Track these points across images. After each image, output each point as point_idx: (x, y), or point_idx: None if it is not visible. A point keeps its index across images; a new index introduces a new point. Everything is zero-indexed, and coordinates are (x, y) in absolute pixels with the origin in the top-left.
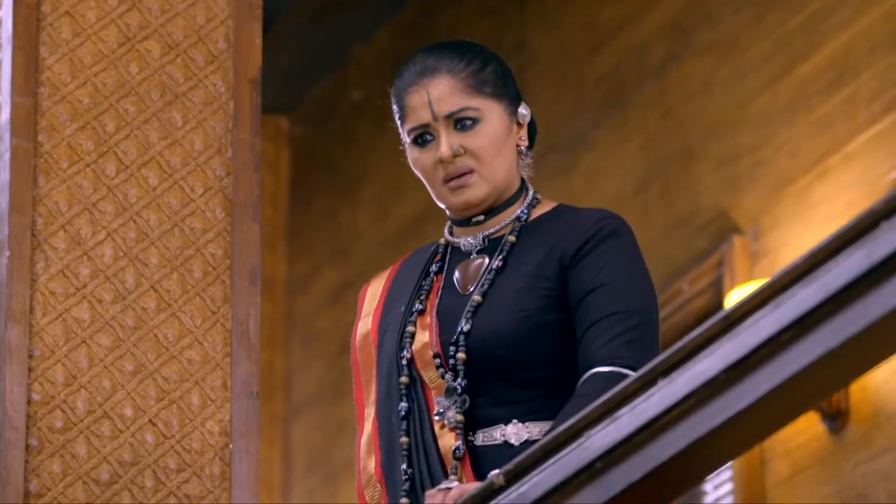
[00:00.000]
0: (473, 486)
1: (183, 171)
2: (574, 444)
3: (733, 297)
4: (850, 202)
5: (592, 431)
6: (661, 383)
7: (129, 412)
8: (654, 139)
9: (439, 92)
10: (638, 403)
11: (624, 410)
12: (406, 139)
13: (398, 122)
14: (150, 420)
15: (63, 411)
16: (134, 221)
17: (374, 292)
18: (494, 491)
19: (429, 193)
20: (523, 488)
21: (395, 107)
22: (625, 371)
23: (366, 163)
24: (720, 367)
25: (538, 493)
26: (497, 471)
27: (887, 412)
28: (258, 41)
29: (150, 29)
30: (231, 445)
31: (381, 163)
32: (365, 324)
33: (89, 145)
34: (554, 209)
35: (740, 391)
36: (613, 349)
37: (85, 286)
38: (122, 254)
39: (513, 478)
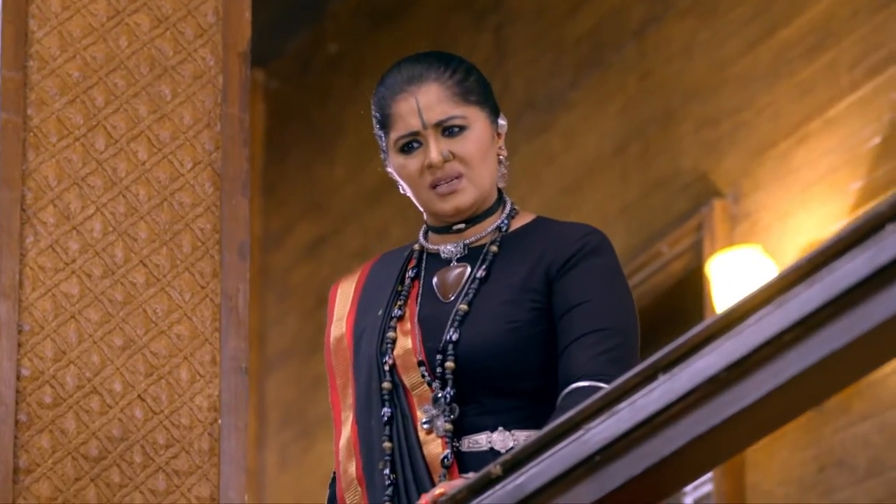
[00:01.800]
0: (461, 482)
1: (172, 146)
2: (572, 437)
3: (714, 264)
4: (830, 167)
5: (591, 424)
6: (662, 378)
7: (118, 387)
8: (634, 101)
9: (428, 100)
10: (637, 398)
11: (623, 405)
12: (385, 146)
13: (378, 131)
14: (138, 395)
15: (52, 387)
16: (123, 196)
17: (345, 294)
18: (491, 481)
19: None
20: (520, 479)
21: (376, 114)
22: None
23: (342, 117)
24: (722, 364)
25: (535, 484)
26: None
27: (867, 379)
28: (247, 15)
29: (140, 2)
30: (220, 421)
31: (357, 117)
32: (339, 327)
33: (78, 119)
34: (534, 221)
35: (742, 390)
36: (597, 365)
37: (74, 261)
38: (111, 228)
39: (510, 468)
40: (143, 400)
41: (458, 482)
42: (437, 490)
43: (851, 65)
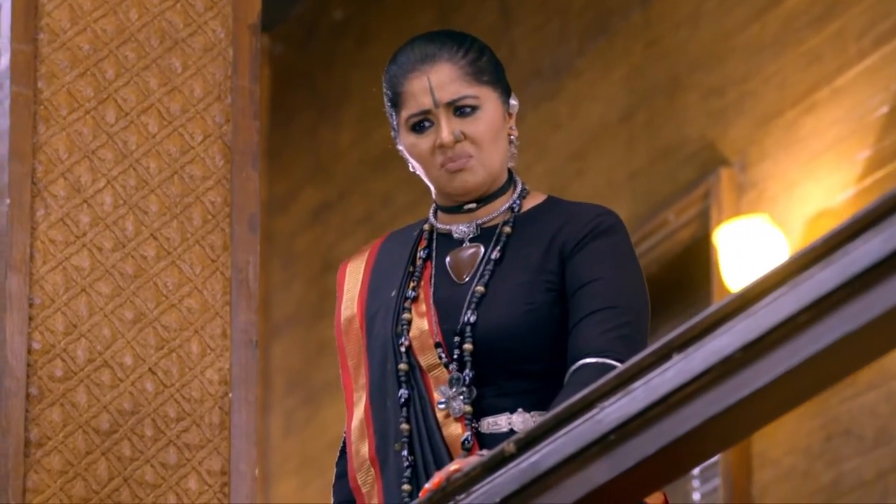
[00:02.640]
0: (475, 459)
1: (182, 119)
2: (587, 416)
3: (721, 233)
4: (838, 136)
5: (606, 403)
6: (676, 358)
7: (128, 361)
8: (640, 69)
9: (440, 79)
10: (652, 377)
11: (638, 384)
12: (400, 125)
13: (390, 109)
14: (149, 369)
15: (63, 360)
16: (134, 169)
17: (354, 274)
18: (505, 458)
19: None
20: (535, 457)
21: (388, 92)
22: (616, 364)
23: (347, 83)
24: (737, 345)
25: (550, 462)
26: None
27: None
28: None
29: None
30: (230, 394)
31: (362, 83)
32: (349, 308)
33: (89, 92)
34: (546, 201)
35: (757, 370)
36: (606, 342)
37: (85, 234)
38: (121, 202)
39: (524, 446)
40: (153, 373)
41: (473, 459)
42: (452, 466)
43: (859, 34)
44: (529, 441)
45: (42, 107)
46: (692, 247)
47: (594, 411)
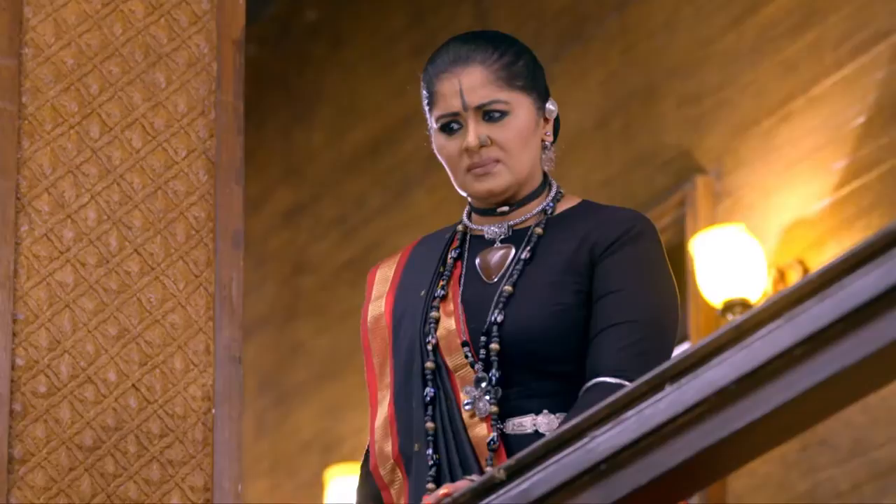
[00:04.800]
0: (465, 484)
1: (166, 134)
2: (578, 444)
3: (697, 242)
4: (814, 146)
5: (597, 432)
6: (669, 389)
7: (112, 377)
8: (616, 75)
9: (471, 82)
10: (645, 408)
11: (630, 413)
12: (433, 125)
13: (426, 107)
14: (133, 385)
15: (47, 376)
16: (118, 184)
17: (384, 275)
18: (495, 485)
19: (386, 119)
20: (525, 485)
21: (424, 91)
22: (628, 385)
23: (321, 84)
24: (732, 376)
25: (541, 490)
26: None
27: None
28: (241, 2)
29: None
30: (214, 411)
31: (336, 85)
32: (377, 306)
33: (73, 107)
34: (580, 204)
35: (752, 402)
36: (621, 359)
37: (69, 249)
38: (105, 217)
39: (514, 473)
40: (137, 389)
41: (463, 484)
42: (441, 491)
43: (836, 43)
44: (520, 468)
45: (26, 121)
46: (668, 254)
47: (585, 440)
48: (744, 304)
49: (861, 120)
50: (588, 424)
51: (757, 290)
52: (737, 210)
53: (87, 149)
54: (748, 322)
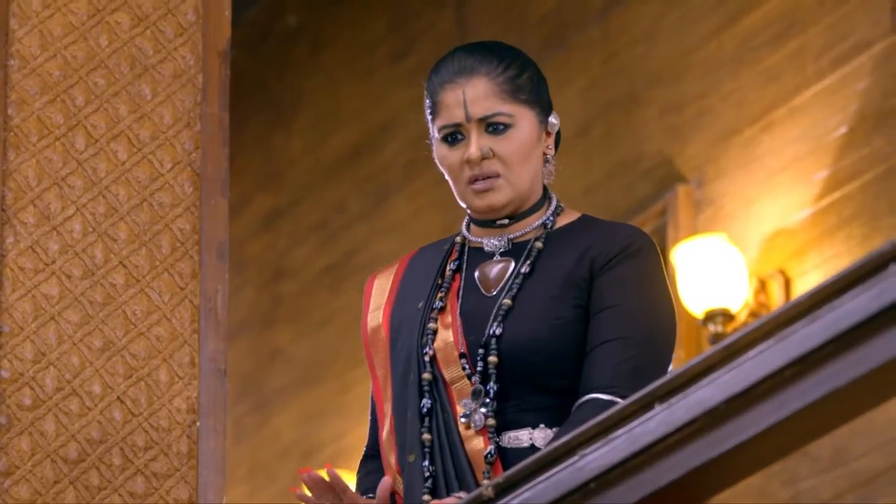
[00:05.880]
0: (452, 501)
1: (152, 146)
2: (568, 462)
3: (679, 251)
4: (796, 156)
5: (586, 451)
6: (658, 408)
7: (97, 389)
8: (597, 83)
9: (475, 94)
10: (635, 426)
11: (620, 432)
12: (435, 135)
13: (428, 117)
14: (118, 397)
15: (31, 388)
16: (103, 196)
17: (382, 286)
18: (483, 503)
19: (366, 125)
20: (514, 503)
21: (427, 101)
22: (621, 401)
23: (300, 89)
24: (721, 397)
25: None
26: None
27: None
28: (227, 14)
29: (120, 1)
30: (198, 423)
31: (316, 90)
32: (375, 318)
33: (59, 119)
34: (580, 219)
35: (741, 423)
36: (614, 377)
37: (54, 262)
38: (91, 229)
39: (502, 490)
40: (122, 402)
41: (451, 501)
42: None
43: (818, 54)
44: (508, 485)
45: (12, 133)
46: None
47: (575, 458)
48: (725, 314)
49: (843, 130)
50: (578, 442)
51: (738, 299)
52: (718, 219)
53: (72, 161)
54: (738, 342)
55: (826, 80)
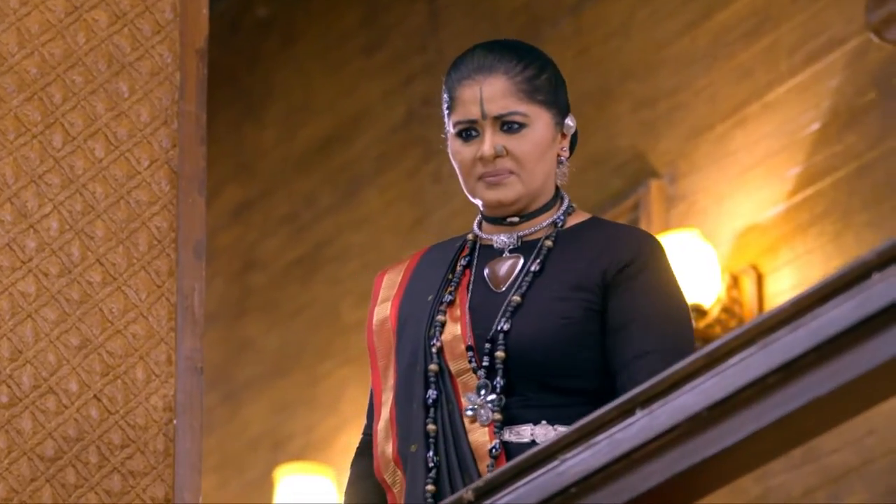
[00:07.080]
0: None
1: (129, 143)
2: (548, 467)
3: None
4: (768, 152)
5: (567, 455)
6: (640, 414)
7: (74, 387)
8: (570, 77)
9: (492, 92)
10: (616, 432)
11: (601, 437)
12: (450, 129)
13: (444, 111)
14: (94, 395)
15: (8, 386)
16: (80, 194)
17: (392, 280)
18: None
19: (337, 117)
20: None
21: (444, 95)
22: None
23: (271, 81)
24: (704, 403)
25: None
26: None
27: None
28: (205, 12)
29: None
30: (175, 421)
31: (287, 82)
32: (383, 309)
33: (36, 116)
34: (590, 220)
35: (724, 429)
36: None
37: (31, 259)
38: (67, 227)
39: (482, 495)
40: (98, 400)
41: None
42: None
43: (791, 50)
44: (489, 489)
45: None
46: None
47: (556, 463)
48: (698, 310)
49: (815, 127)
50: (558, 447)
51: (711, 295)
52: (690, 214)
53: (49, 158)
54: (721, 349)
55: (799, 77)
